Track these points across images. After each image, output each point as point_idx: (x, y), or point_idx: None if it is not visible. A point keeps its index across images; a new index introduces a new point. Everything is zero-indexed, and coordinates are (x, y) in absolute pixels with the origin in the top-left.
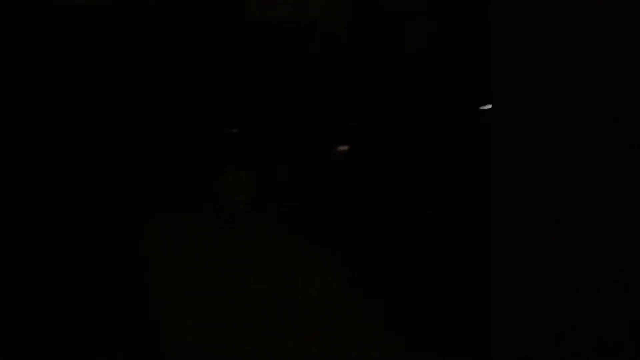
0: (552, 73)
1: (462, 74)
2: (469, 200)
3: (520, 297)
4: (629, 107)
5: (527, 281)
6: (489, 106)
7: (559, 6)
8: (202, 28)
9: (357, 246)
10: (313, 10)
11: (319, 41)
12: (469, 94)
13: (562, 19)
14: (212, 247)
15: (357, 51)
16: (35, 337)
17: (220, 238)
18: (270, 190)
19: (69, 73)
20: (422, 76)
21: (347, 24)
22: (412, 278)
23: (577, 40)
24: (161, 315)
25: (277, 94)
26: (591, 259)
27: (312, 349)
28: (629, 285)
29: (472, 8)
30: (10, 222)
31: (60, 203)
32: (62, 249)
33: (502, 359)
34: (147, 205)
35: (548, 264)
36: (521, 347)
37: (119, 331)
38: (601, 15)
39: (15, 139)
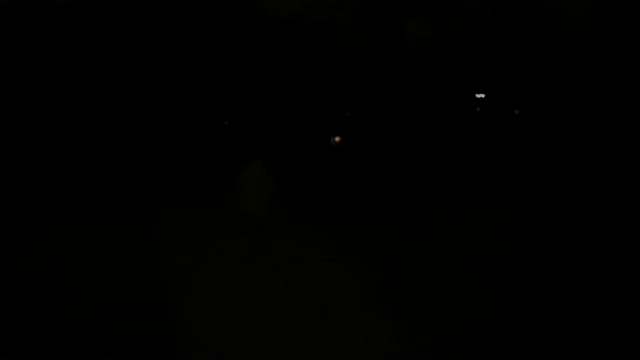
0: None
1: (460, 64)
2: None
3: None
4: None
5: None
6: (483, 95)
7: None
8: (213, 24)
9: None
10: (320, 7)
11: (326, 37)
12: (465, 83)
13: None
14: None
15: (361, 45)
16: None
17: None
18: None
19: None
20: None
21: (352, 20)
22: None
23: None
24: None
25: (283, 88)
26: None
27: None
28: None
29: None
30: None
31: (79, 201)
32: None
33: None
34: (163, 204)
35: None
36: None
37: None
38: None
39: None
